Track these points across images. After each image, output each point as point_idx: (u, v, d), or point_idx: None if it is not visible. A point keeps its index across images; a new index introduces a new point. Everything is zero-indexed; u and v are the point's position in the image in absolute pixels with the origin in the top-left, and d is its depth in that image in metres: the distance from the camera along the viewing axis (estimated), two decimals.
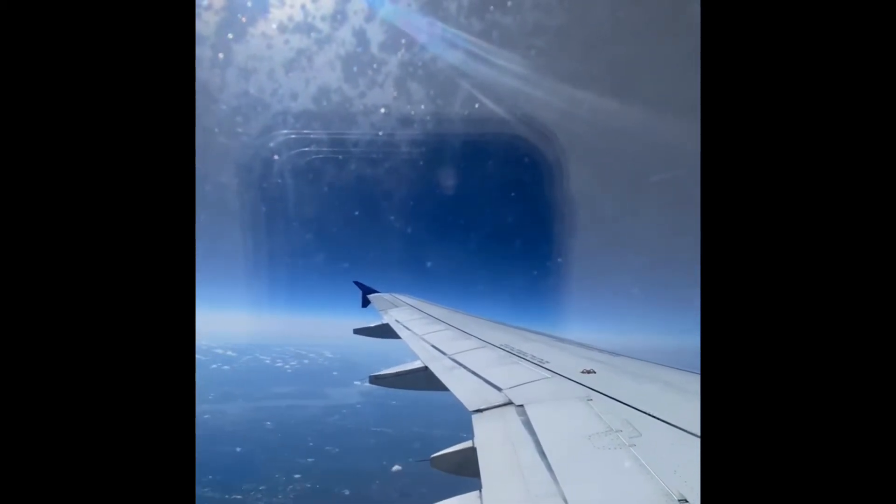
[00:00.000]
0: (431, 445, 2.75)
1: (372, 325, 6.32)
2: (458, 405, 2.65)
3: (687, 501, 1.36)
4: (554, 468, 1.68)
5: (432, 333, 4.77)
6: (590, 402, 2.32)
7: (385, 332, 5.83)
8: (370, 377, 4.29)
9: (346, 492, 26.49)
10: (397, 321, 5.66)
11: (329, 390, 47.46)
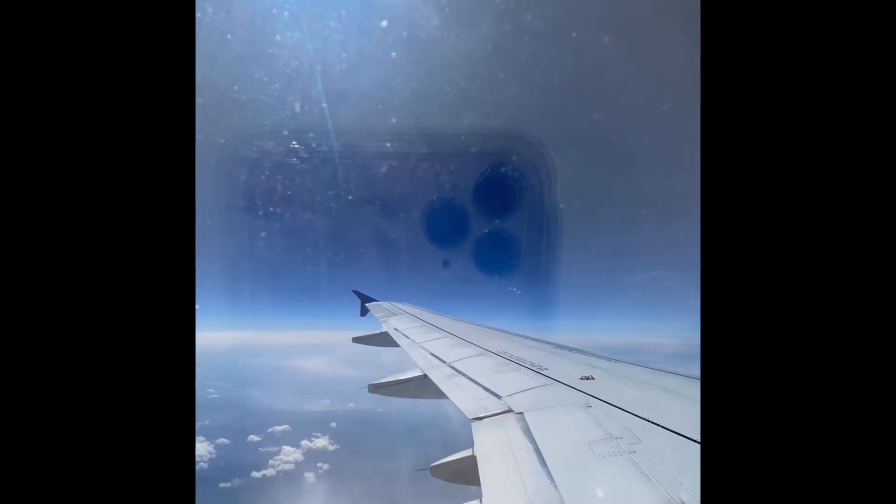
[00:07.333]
0: (431, 454, 2.73)
1: (371, 333, 6.30)
2: (457, 413, 2.64)
3: None
4: (554, 475, 1.67)
5: (431, 341, 4.75)
6: (589, 408, 2.31)
7: (384, 340, 5.81)
8: (369, 386, 4.25)
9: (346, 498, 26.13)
10: (396, 329, 5.65)
11: (326, 398, 47.15)
